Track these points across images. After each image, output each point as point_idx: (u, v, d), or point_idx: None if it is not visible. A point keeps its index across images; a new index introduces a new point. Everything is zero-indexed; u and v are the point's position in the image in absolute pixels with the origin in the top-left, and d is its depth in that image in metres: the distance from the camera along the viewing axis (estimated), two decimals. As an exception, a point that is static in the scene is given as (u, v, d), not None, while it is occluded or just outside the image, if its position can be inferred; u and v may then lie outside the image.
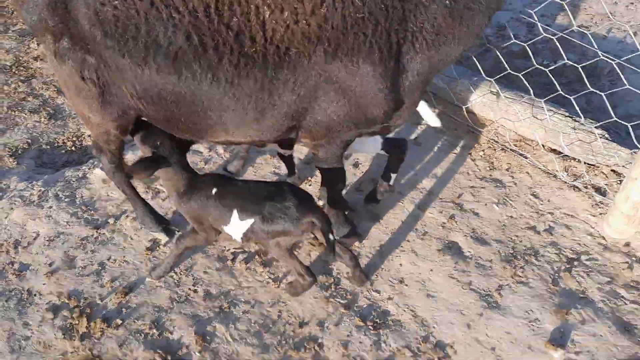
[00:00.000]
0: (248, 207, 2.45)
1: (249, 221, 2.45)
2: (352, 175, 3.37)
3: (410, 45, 2.18)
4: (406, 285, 2.76)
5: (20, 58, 4.70)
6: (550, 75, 3.12)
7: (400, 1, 2.13)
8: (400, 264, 2.85)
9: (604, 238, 2.90)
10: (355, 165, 3.44)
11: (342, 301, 2.71)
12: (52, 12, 2.19)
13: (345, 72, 2.18)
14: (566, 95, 2.99)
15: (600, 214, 3.00)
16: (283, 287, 2.77)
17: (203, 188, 2.54)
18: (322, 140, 2.45)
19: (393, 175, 3.08)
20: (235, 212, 2.47)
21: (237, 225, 2.49)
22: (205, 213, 2.54)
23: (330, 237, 2.41)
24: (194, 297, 2.75)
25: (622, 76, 2.90)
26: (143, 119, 2.52)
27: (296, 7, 2.09)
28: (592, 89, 2.92)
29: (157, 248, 2.98)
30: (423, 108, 2.91)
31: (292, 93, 2.21)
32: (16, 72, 4.55)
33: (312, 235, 2.55)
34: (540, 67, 3.14)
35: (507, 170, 3.30)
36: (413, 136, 3.60)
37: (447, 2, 2.15)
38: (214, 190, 2.51)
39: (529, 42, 3.34)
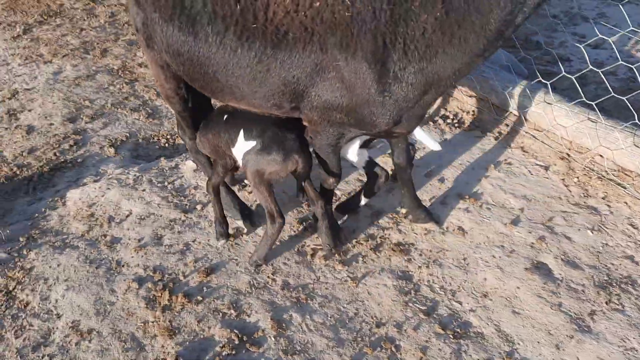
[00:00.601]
0: (253, 129, 2.58)
1: (251, 143, 2.57)
2: (438, 190, 3.34)
3: (402, 52, 2.17)
4: (490, 299, 2.66)
5: (127, 64, 5.05)
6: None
7: (388, 5, 2.14)
8: (485, 278, 2.76)
9: None
10: (441, 180, 3.40)
11: (421, 307, 2.63)
12: None
13: (337, 65, 2.25)
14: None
15: None
16: (254, 256, 2.83)
17: (216, 118, 2.74)
18: (317, 127, 2.52)
19: (363, 200, 3.05)
20: (241, 132, 2.60)
21: (241, 146, 2.61)
22: (218, 140, 2.70)
23: (304, 184, 2.67)
24: (273, 286, 2.76)
25: None
26: None
27: None
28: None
29: (240, 235, 3.04)
30: (419, 133, 2.89)
31: (288, 74, 2.33)
32: (122, 75, 4.88)
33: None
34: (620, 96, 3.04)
35: (603, 198, 3.16)
36: (502, 158, 3.53)
37: (438, 14, 2.10)
38: (225, 117, 2.70)
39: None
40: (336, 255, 2.86)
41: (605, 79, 3.36)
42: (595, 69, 3.33)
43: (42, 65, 5.02)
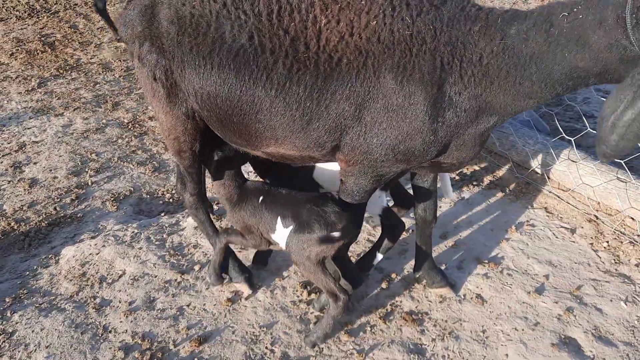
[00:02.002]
0: (288, 214, 2.40)
1: (290, 227, 2.39)
2: (454, 253, 3.09)
3: (459, 76, 2.04)
4: (513, 379, 2.37)
5: (138, 117, 5.00)
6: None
7: (448, 27, 2.03)
8: (507, 354, 2.47)
9: None
10: (458, 242, 3.16)
11: (435, 387, 2.35)
12: (141, 17, 2.38)
13: (389, 90, 2.09)
14: None
15: None
16: (311, 336, 2.54)
17: (251, 197, 2.55)
18: (355, 167, 2.30)
19: (379, 256, 2.83)
20: (279, 219, 2.42)
21: (282, 233, 2.43)
22: (254, 221, 2.52)
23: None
24: (271, 358, 2.50)
25: None
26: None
27: (352, 20, 2.10)
28: None
29: (239, 300, 2.81)
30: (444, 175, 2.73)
31: (338, 106, 2.16)
32: (132, 128, 4.82)
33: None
34: None
35: (636, 265, 2.88)
36: (523, 219, 3.29)
37: (495, 47, 2.00)
38: (261, 198, 2.51)
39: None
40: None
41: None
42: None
43: (52, 118, 4.99)
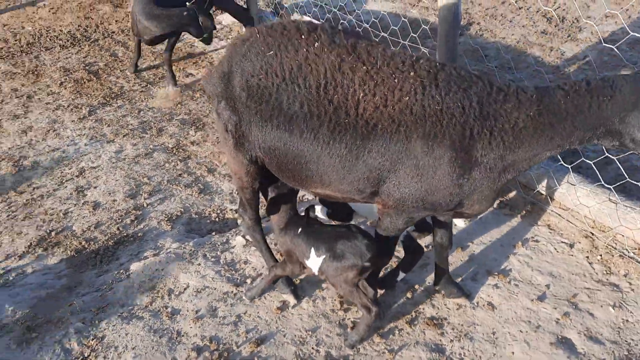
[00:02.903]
0: (321, 246, 2.92)
1: (323, 257, 2.89)
2: (468, 266, 3.60)
3: (487, 142, 2.53)
4: (518, 372, 2.87)
5: (181, 142, 5.55)
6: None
7: (478, 104, 2.53)
8: (513, 352, 2.98)
9: None
10: (472, 257, 3.67)
11: (453, 379, 2.87)
12: (220, 81, 2.94)
13: (420, 152, 2.58)
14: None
15: None
16: (350, 339, 3.07)
17: (293, 227, 3.08)
18: (391, 210, 2.81)
19: (401, 274, 3.32)
20: (312, 249, 2.93)
21: (314, 260, 2.94)
22: (293, 247, 3.06)
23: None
24: (317, 357, 3.04)
25: None
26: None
27: (386, 95, 2.60)
28: None
29: (287, 309, 3.35)
30: None
31: (374, 161, 2.66)
32: (176, 153, 5.37)
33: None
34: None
35: (624, 276, 3.36)
36: (529, 235, 3.78)
37: (531, 113, 2.49)
38: (299, 230, 3.03)
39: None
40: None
41: (620, 164, 3.62)
42: (612, 156, 3.61)
43: (105, 145, 5.57)
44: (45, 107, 6.36)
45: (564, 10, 7.13)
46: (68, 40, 8.01)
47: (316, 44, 2.75)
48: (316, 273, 3.02)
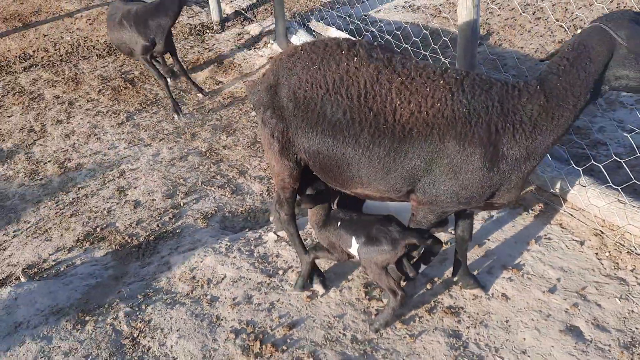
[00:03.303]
0: (360, 233, 3.21)
1: (361, 241, 3.20)
2: (485, 261, 3.86)
3: (511, 135, 2.81)
4: (528, 356, 3.13)
5: (213, 146, 5.90)
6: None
7: (499, 102, 2.83)
8: (524, 338, 3.24)
9: None
10: (489, 252, 3.93)
11: (469, 361, 3.14)
12: (267, 92, 3.26)
13: (453, 151, 2.86)
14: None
15: None
16: (375, 323, 3.35)
17: (333, 222, 3.38)
18: (425, 207, 3.08)
19: (423, 266, 3.57)
20: (354, 238, 3.23)
21: (355, 247, 3.24)
22: (336, 240, 3.35)
23: (428, 242, 3.28)
24: (343, 340, 3.33)
25: None
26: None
27: (419, 102, 2.90)
28: None
29: (316, 297, 3.65)
30: None
31: (410, 162, 2.94)
32: (209, 156, 5.72)
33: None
34: None
35: (631, 271, 3.60)
36: (542, 233, 4.03)
37: (541, 102, 2.79)
38: (339, 223, 3.34)
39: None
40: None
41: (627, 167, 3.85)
42: (618, 159, 3.86)
43: (143, 148, 5.95)
44: (86, 113, 6.78)
45: (580, 20, 7.35)
46: (104, 50, 8.46)
47: (355, 59, 3.06)
48: (359, 258, 3.31)
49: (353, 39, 3.27)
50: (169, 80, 7.02)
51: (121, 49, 6.80)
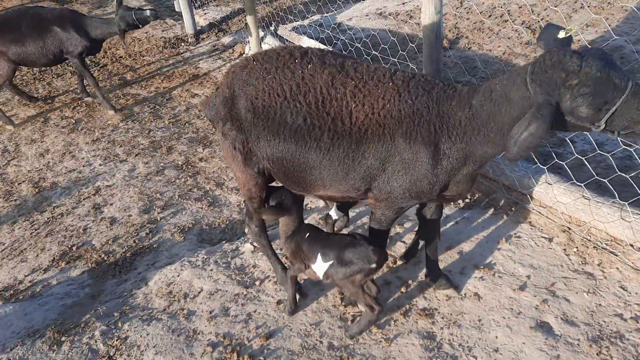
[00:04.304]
0: (329, 253, 3.23)
1: (329, 263, 3.22)
2: (457, 261, 3.93)
3: (447, 136, 2.90)
4: (500, 354, 3.19)
5: (189, 159, 5.92)
6: (632, 182, 3.61)
7: (437, 104, 2.92)
8: (496, 336, 3.30)
9: (690, 329, 3.16)
10: (460, 253, 4.00)
11: (443, 362, 3.19)
12: (223, 105, 3.30)
13: (402, 149, 2.95)
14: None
15: (687, 307, 3.28)
16: (350, 330, 3.40)
17: (301, 233, 3.40)
18: (382, 203, 3.16)
19: (422, 242, 3.74)
20: (319, 255, 3.25)
21: (320, 265, 3.26)
22: (300, 251, 3.37)
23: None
24: (320, 347, 3.37)
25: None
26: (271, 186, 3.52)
27: (372, 104, 2.99)
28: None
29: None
30: None
31: (367, 161, 3.02)
32: (186, 169, 5.74)
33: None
34: (622, 174, 3.65)
35: (598, 265, 3.68)
36: (512, 232, 4.11)
37: (467, 114, 2.85)
38: (307, 235, 3.36)
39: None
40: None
41: (586, 163, 3.95)
42: (580, 157, 3.95)
43: (118, 164, 5.95)
44: (60, 131, 6.76)
45: (547, 21, 7.50)
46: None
47: (309, 66, 3.12)
48: (320, 277, 3.33)
49: (304, 46, 3.34)
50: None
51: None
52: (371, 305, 3.27)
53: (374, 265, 3.13)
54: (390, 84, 3.00)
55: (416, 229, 3.89)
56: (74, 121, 7.00)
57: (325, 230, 3.62)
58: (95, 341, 3.60)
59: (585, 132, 4.41)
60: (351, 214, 4.51)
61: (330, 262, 3.23)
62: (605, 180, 3.76)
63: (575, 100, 2.42)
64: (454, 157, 2.95)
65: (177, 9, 10.61)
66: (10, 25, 6.53)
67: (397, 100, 2.96)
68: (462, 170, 3.01)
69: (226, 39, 9.05)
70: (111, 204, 5.29)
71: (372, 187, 3.13)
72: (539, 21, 7.42)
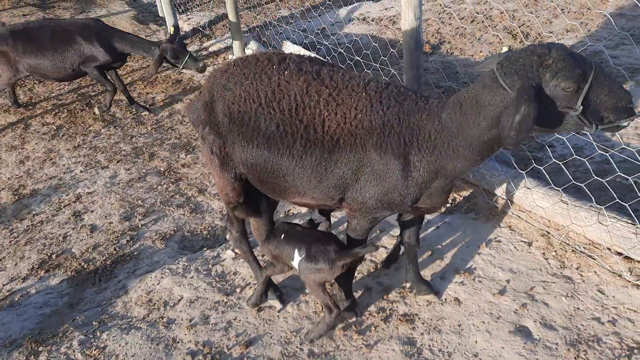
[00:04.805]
0: (302, 247, 3.25)
1: (302, 257, 3.23)
2: (438, 266, 3.94)
3: (417, 148, 2.90)
4: (480, 358, 3.20)
5: (172, 165, 5.88)
6: (608, 186, 3.65)
7: (407, 116, 2.92)
8: (476, 341, 3.31)
9: (666, 332, 3.19)
10: (441, 258, 4.01)
11: (423, 367, 3.19)
12: (203, 109, 3.31)
13: (373, 160, 2.96)
14: (622, 202, 3.48)
15: (663, 310, 3.31)
16: (310, 334, 3.41)
17: (276, 235, 3.40)
18: (357, 213, 3.16)
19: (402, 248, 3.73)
20: (296, 250, 3.26)
21: (297, 260, 3.28)
22: (279, 252, 3.37)
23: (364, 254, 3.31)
24: (300, 354, 3.36)
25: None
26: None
27: (345, 113, 2.99)
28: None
29: (273, 313, 3.67)
30: None
31: (339, 170, 3.03)
32: (168, 175, 5.70)
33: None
34: (598, 178, 3.70)
35: (576, 269, 3.71)
36: (492, 236, 4.13)
37: (436, 127, 2.85)
38: (282, 236, 3.37)
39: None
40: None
41: (564, 167, 3.99)
42: (557, 161, 3.99)
43: (100, 171, 5.90)
44: (41, 138, 6.69)
45: (528, 26, 7.58)
46: (60, 73, 8.36)
47: (286, 72, 3.12)
48: (298, 272, 3.34)
49: (284, 52, 3.34)
50: None
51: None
52: (329, 306, 3.26)
53: (334, 270, 3.13)
54: (364, 93, 3.01)
55: (397, 234, 3.90)
56: (55, 127, 6.93)
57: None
58: (74, 351, 3.55)
59: (564, 136, 4.47)
60: (333, 219, 4.51)
61: (303, 256, 3.24)
62: (582, 185, 3.80)
63: (556, 76, 2.47)
64: (424, 170, 2.95)
65: (160, 14, 10.58)
66: (29, 35, 6.46)
67: (368, 111, 2.97)
68: (434, 184, 3.02)
69: (210, 44, 9.03)
70: (92, 211, 5.24)
71: (345, 197, 3.13)
72: (519, 27, 7.50)
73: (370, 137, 2.94)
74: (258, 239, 3.52)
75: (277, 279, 3.91)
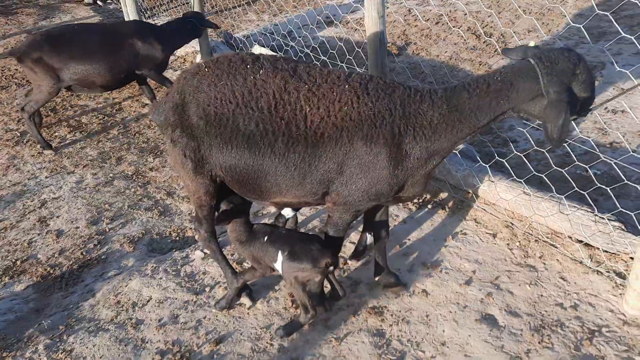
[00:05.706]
0: (285, 247, 3.24)
1: (285, 255, 3.23)
2: (406, 259, 3.99)
3: (412, 137, 2.96)
4: (447, 347, 3.25)
5: (140, 169, 5.82)
6: (568, 176, 3.76)
7: (401, 106, 2.97)
8: (444, 330, 3.36)
9: (624, 315, 3.30)
10: (409, 251, 4.06)
11: (392, 358, 3.23)
12: (173, 111, 3.25)
13: (361, 152, 2.98)
14: (581, 192, 3.59)
15: (621, 294, 3.42)
16: (280, 331, 3.42)
17: (258, 237, 3.37)
18: (339, 207, 3.18)
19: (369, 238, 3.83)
20: (279, 252, 3.25)
21: (279, 261, 3.27)
22: (262, 255, 3.35)
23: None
24: (271, 349, 3.36)
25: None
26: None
27: (328, 107, 3.00)
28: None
29: (243, 310, 3.66)
30: None
31: (325, 165, 3.04)
32: (136, 179, 5.64)
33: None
34: (558, 168, 3.81)
35: (539, 258, 3.81)
36: (458, 229, 4.21)
37: (442, 111, 2.96)
38: (265, 238, 3.34)
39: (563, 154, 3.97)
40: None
41: (526, 160, 4.09)
42: (519, 154, 4.09)
43: (65, 176, 5.80)
44: (5, 144, 6.55)
45: (491, 27, 7.75)
46: (24, 79, 8.21)
47: (261, 71, 3.12)
48: (282, 273, 3.34)
49: (255, 53, 3.34)
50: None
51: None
52: (307, 307, 3.28)
53: (317, 268, 3.15)
54: (347, 86, 3.03)
55: (361, 227, 3.94)
56: (18, 134, 6.79)
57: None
58: (39, 355, 3.49)
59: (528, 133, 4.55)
60: (300, 217, 4.53)
61: (286, 255, 3.24)
62: (543, 175, 3.90)
63: (581, 86, 2.77)
64: (416, 157, 3.00)
65: (126, 19, 10.47)
66: (70, 40, 6.01)
67: (355, 103, 2.99)
68: (421, 170, 3.08)
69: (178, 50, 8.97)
70: (58, 217, 5.15)
71: (329, 191, 3.14)
72: (483, 27, 7.66)
73: (360, 129, 2.96)
74: (236, 241, 3.49)
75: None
